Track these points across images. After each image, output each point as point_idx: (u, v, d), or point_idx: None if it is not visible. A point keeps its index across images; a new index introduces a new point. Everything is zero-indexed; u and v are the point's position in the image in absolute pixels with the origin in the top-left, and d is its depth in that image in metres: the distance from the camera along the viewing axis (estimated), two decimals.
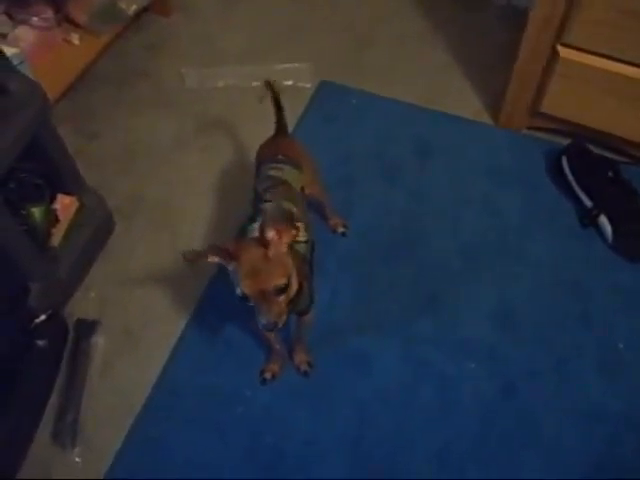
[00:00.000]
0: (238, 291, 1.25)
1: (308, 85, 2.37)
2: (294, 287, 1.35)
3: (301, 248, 1.48)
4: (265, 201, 1.51)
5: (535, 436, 1.66)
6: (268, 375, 1.74)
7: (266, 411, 1.71)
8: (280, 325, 1.27)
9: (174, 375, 1.76)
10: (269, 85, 1.73)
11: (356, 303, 1.86)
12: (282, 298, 1.27)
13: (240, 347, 1.79)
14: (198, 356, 1.79)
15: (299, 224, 1.48)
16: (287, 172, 1.59)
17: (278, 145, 1.70)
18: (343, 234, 1.97)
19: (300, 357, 1.75)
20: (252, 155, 1.89)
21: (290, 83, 2.36)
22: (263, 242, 1.26)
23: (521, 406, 1.70)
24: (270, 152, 1.66)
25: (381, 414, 1.70)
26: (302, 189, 1.61)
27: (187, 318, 1.85)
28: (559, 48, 1.90)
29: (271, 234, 1.26)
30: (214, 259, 1.27)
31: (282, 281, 1.25)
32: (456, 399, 1.72)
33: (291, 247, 1.33)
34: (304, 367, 1.75)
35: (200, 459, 1.65)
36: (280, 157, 1.61)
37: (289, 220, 1.30)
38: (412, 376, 1.75)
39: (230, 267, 1.27)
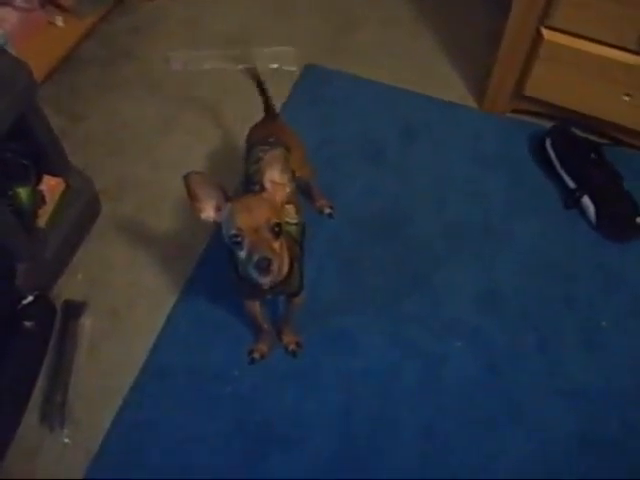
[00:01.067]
0: (232, 230, 1.24)
1: (293, 68, 2.37)
2: (285, 267, 1.36)
3: (292, 230, 1.49)
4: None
5: (519, 413, 1.69)
6: (257, 355, 1.75)
7: (254, 390, 1.72)
8: (274, 268, 1.24)
9: (162, 355, 1.77)
10: (251, 74, 1.77)
11: (342, 283, 1.88)
12: (277, 244, 1.26)
13: (228, 327, 1.80)
14: (186, 336, 1.80)
15: (290, 206, 1.49)
16: None
17: (268, 128, 1.70)
18: (330, 215, 1.98)
19: (289, 338, 1.76)
20: (238, 138, 1.89)
21: (275, 66, 2.36)
22: (261, 186, 1.29)
23: (505, 384, 1.73)
24: (261, 135, 1.66)
25: (368, 392, 1.72)
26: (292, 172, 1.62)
27: (175, 299, 1.85)
28: (543, 31, 1.91)
29: (268, 184, 1.29)
30: (210, 199, 1.27)
31: (275, 219, 1.25)
32: (441, 377, 1.74)
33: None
34: (292, 347, 1.76)
35: (188, 437, 1.66)
36: (271, 140, 1.60)
37: (285, 165, 1.30)
38: (398, 355, 1.77)
39: (224, 211, 1.27)
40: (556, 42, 1.91)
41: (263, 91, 1.76)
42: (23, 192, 1.69)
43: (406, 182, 2.09)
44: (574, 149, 2.03)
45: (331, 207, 1.98)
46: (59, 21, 2.24)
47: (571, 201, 2.00)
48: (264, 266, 1.22)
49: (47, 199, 1.78)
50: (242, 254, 1.25)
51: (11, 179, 1.67)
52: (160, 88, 2.33)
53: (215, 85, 2.33)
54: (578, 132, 2.10)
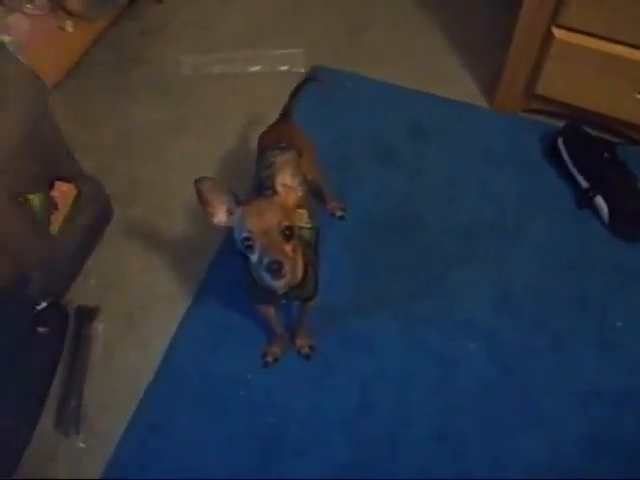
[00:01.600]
0: (243, 233, 1.24)
1: (302, 70, 2.36)
2: (300, 271, 1.36)
3: (306, 234, 1.49)
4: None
5: (533, 414, 1.69)
6: (270, 358, 1.75)
7: (268, 394, 1.72)
8: (286, 271, 1.23)
9: (176, 359, 1.77)
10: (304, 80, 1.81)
11: (355, 285, 1.87)
12: (288, 247, 1.25)
13: (241, 331, 1.80)
14: (199, 340, 1.80)
15: (304, 210, 1.49)
16: None
17: (280, 132, 1.70)
18: (341, 217, 1.98)
19: (302, 341, 1.76)
20: (249, 141, 1.89)
21: (285, 68, 2.36)
22: (273, 190, 1.28)
23: (520, 386, 1.72)
24: (273, 139, 1.65)
25: (381, 394, 1.72)
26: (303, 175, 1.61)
27: (188, 302, 1.86)
28: (554, 30, 1.90)
29: (280, 188, 1.28)
30: (221, 204, 1.28)
31: (286, 222, 1.25)
32: (456, 379, 1.73)
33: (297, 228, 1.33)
34: (306, 350, 1.76)
35: (202, 441, 1.66)
36: (283, 144, 1.59)
37: (297, 168, 1.29)
38: (412, 357, 1.76)
39: (235, 215, 1.27)
40: (567, 41, 1.89)
41: (296, 95, 1.77)
42: (35, 199, 1.69)
43: (418, 182, 2.08)
44: (587, 148, 2.02)
45: (343, 209, 1.98)
46: (69, 26, 2.25)
47: (584, 201, 1.99)
48: (275, 269, 1.21)
49: (59, 205, 1.79)
50: (254, 257, 1.25)
51: (24, 186, 1.67)
52: (170, 92, 2.34)
53: (226, 88, 2.33)
54: (590, 131, 2.08)
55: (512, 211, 2.01)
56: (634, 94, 1.92)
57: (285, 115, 1.76)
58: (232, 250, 1.39)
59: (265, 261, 1.21)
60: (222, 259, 1.91)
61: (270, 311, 1.61)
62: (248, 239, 1.24)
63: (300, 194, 1.32)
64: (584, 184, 2.00)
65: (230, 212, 1.29)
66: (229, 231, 1.33)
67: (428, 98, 2.28)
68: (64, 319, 1.80)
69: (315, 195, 1.88)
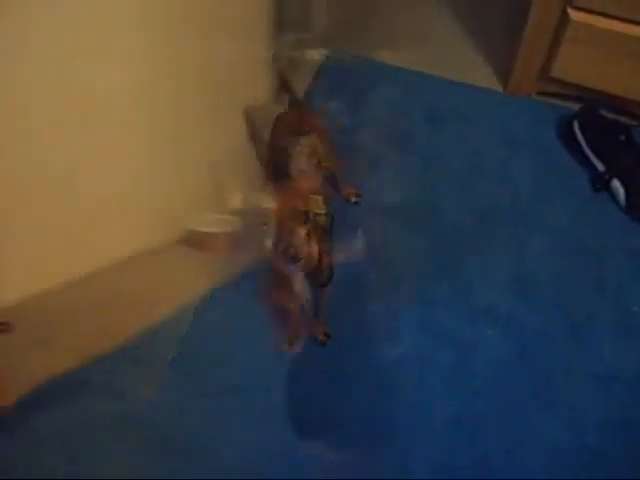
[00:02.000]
0: (258, 219, 1.24)
1: (316, 55, 2.35)
2: (315, 257, 1.36)
3: (321, 220, 1.48)
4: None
5: (551, 399, 1.68)
6: (286, 345, 1.75)
7: (284, 380, 1.72)
8: (301, 256, 1.25)
9: (192, 345, 1.76)
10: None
11: (371, 271, 1.87)
12: (303, 232, 1.25)
13: (257, 317, 1.79)
14: (214, 327, 1.80)
15: (319, 196, 1.48)
16: None
17: (294, 117, 1.69)
18: (356, 203, 1.97)
19: (317, 327, 1.76)
20: (264, 128, 1.88)
21: (298, 53, 2.34)
22: (288, 175, 1.32)
23: (537, 370, 1.72)
24: (287, 126, 1.64)
25: (398, 380, 1.71)
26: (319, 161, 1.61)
27: (203, 288, 1.85)
28: (570, 11, 1.88)
29: (296, 173, 1.33)
30: (237, 190, 1.30)
31: (302, 206, 1.25)
32: (472, 363, 1.73)
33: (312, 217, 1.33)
34: (322, 337, 1.76)
35: (220, 427, 1.66)
36: (298, 130, 1.58)
37: (313, 154, 1.29)
38: (428, 341, 1.76)
39: (251, 200, 1.28)
40: (583, 22, 1.88)
41: (285, 85, 1.75)
42: None
43: (433, 167, 2.07)
44: (603, 131, 2.00)
45: (357, 195, 1.97)
46: None
47: (600, 184, 1.98)
48: (290, 254, 1.22)
49: None
50: (269, 242, 1.25)
51: None
52: None
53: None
54: (607, 114, 2.06)
55: (528, 195, 1.99)
56: None
57: (295, 101, 1.75)
58: None
59: (280, 246, 1.21)
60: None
61: (286, 298, 1.61)
62: (263, 224, 1.24)
63: (316, 179, 1.31)
64: (600, 167, 1.99)
65: (245, 197, 1.29)
66: (244, 217, 1.33)
67: (442, 82, 2.26)
68: None
69: (330, 181, 1.87)
